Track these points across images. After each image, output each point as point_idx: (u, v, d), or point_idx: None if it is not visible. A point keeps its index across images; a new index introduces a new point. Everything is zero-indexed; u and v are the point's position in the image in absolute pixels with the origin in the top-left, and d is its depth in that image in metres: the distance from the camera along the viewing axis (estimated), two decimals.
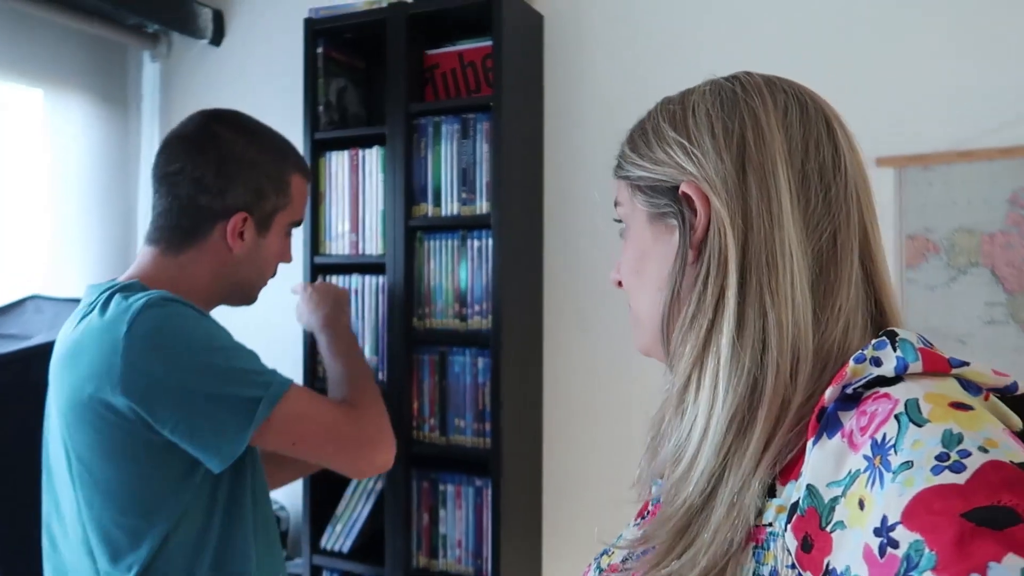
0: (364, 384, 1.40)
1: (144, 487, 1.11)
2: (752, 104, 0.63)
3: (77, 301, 2.01)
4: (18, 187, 2.15)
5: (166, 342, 1.08)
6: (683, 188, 0.64)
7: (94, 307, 1.14)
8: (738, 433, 0.57)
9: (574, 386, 1.91)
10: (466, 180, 1.76)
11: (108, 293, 1.15)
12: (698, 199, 0.63)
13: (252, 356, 1.18)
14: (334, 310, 1.54)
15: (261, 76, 2.30)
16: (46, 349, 1.34)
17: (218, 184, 1.23)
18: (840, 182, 0.62)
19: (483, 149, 1.74)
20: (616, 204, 0.74)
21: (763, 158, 0.61)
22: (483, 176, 1.74)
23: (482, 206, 1.74)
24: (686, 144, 0.64)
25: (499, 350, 1.68)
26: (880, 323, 0.62)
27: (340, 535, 1.87)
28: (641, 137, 0.70)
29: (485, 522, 1.74)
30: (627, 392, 1.83)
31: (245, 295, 1.35)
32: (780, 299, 0.58)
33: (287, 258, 1.39)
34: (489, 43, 1.79)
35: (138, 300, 1.09)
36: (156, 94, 2.41)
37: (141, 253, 1.26)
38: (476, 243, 1.75)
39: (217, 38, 2.35)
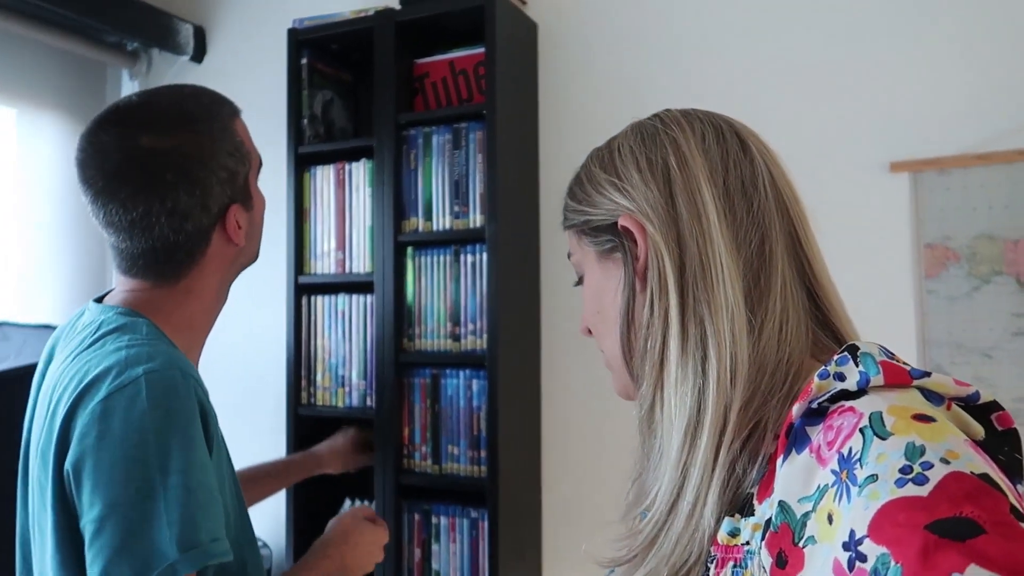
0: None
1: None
2: (672, 134, 0.68)
3: (47, 328, 1.92)
4: None
5: (123, 432, 0.88)
6: (621, 221, 0.67)
7: (85, 329, 1.01)
8: (691, 445, 0.60)
9: (574, 409, 1.80)
10: (458, 192, 1.67)
11: (106, 331, 0.99)
12: (635, 229, 0.66)
13: (209, 501, 0.92)
14: (350, 547, 1.30)
15: (244, 92, 2.20)
16: (11, 376, 1.23)
17: (195, 199, 1.04)
18: (761, 193, 0.65)
19: (476, 160, 1.65)
20: (569, 256, 0.78)
21: (687, 180, 0.65)
22: (476, 188, 1.65)
23: (476, 219, 1.65)
24: (616, 181, 0.69)
25: (496, 371, 1.58)
26: (822, 320, 0.65)
27: None
28: (577, 186, 0.74)
29: (481, 556, 1.63)
30: (631, 415, 1.72)
31: (251, 261, 1.19)
32: (716, 309, 0.61)
33: (263, 198, 1.20)
34: (481, 51, 1.71)
35: (139, 365, 0.91)
36: None
37: (125, 283, 1.06)
38: (470, 258, 1.66)
39: (198, 55, 2.27)
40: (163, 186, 1.02)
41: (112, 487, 0.87)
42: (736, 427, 0.59)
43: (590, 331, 0.78)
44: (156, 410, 0.90)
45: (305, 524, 1.77)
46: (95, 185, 1.02)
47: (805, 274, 0.65)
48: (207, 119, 1.09)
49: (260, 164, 1.18)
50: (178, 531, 0.87)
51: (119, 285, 1.10)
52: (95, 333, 1.00)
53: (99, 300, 1.10)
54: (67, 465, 0.90)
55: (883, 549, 0.42)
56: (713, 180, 0.65)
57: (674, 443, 0.61)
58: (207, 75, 2.28)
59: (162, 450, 0.90)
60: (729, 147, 0.67)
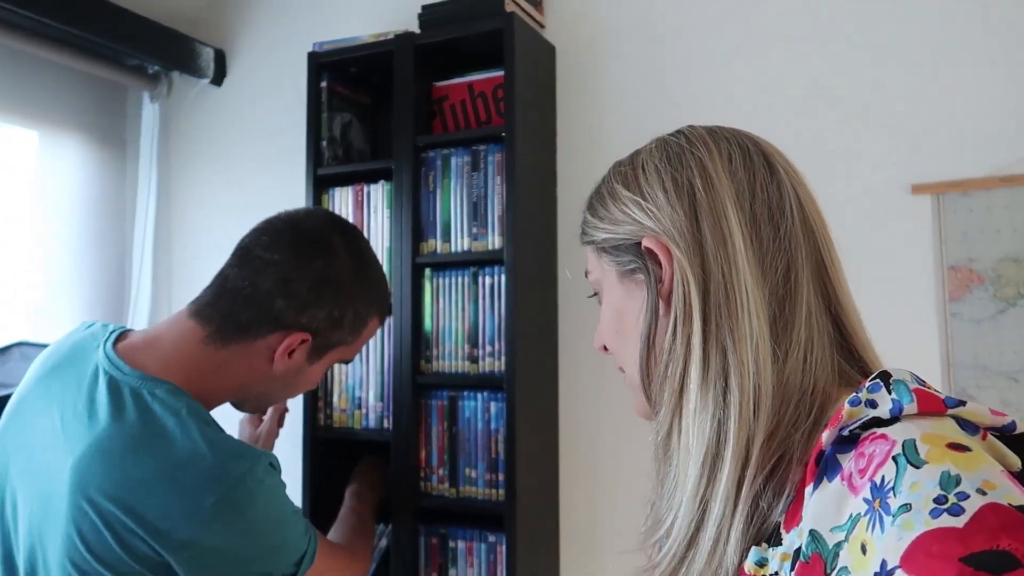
0: (364, 538, 1.48)
1: None
2: (698, 154, 0.66)
3: None
4: (9, 230, 2.06)
5: (243, 525, 1.01)
6: (645, 243, 0.66)
7: (118, 395, 1.02)
8: (710, 477, 0.58)
9: (591, 432, 1.79)
10: (477, 214, 1.67)
11: (141, 387, 1.02)
12: (660, 251, 0.65)
13: (297, 520, 1.11)
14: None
15: (264, 114, 2.24)
16: None
17: (305, 298, 1.12)
18: (788, 219, 0.64)
19: (495, 181, 1.65)
20: (587, 274, 0.76)
21: (714, 203, 0.63)
22: (495, 209, 1.65)
23: (494, 241, 1.65)
24: (640, 201, 0.67)
25: (514, 393, 1.57)
26: (846, 348, 0.63)
27: None
28: (599, 202, 0.72)
29: None
30: (647, 440, 1.70)
31: (260, 406, 1.27)
32: (740, 339, 0.59)
33: (314, 386, 1.31)
34: (500, 73, 1.72)
35: (236, 465, 0.99)
36: (155, 136, 2.34)
37: (181, 326, 1.12)
38: (488, 280, 1.65)
39: (219, 78, 2.29)
40: (305, 262, 1.13)
41: (234, 569, 1.05)
42: (760, 461, 0.57)
43: (606, 348, 0.77)
44: (259, 501, 1.03)
45: None
46: (278, 225, 1.16)
47: (830, 301, 0.64)
48: (373, 289, 1.24)
49: (348, 361, 1.30)
50: None
51: (159, 328, 1.13)
52: (114, 390, 1.03)
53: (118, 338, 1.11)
54: (165, 553, 0.98)
55: None
56: (740, 204, 0.64)
57: (691, 474, 0.60)
58: (227, 98, 2.31)
59: None
60: (756, 170, 0.65)
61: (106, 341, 1.08)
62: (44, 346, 1.94)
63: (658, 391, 0.65)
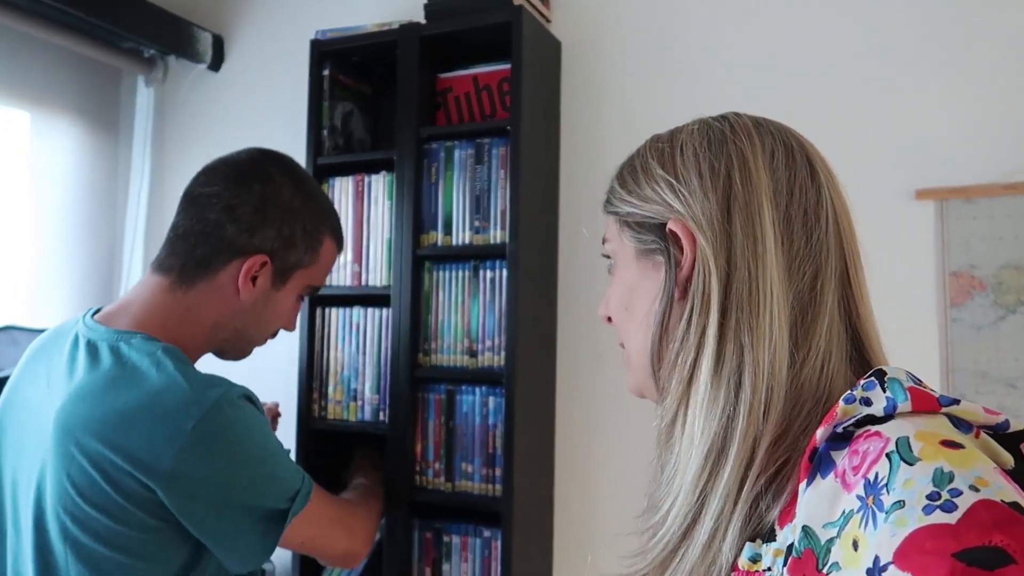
0: (372, 500, 1.49)
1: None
2: (740, 145, 0.64)
3: None
4: None
5: (225, 450, 1.03)
6: (670, 225, 0.65)
7: (95, 351, 1.05)
8: (712, 471, 0.58)
9: (588, 430, 1.79)
10: (479, 208, 1.66)
11: (116, 340, 1.06)
12: (684, 237, 0.64)
13: (286, 458, 1.13)
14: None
15: (262, 101, 2.22)
16: None
17: (252, 220, 1.15)
18: (822, 226, 0.63)
19: (498, 175, 1.64)
20: (604, 240, 0.75)
21: (749, 198, 0.62)
22: (497, 203, 1.64)
23: (496, 235, 1.64)
24: (674, 182, 0.65)
25: (513, 389, 1.56)
26: (863, 363, 0.63)
27: None
28: (630, 174, 0.71)
29: None
30: (645, 437, 1.70)
31: (240, 348, 1.26)
32: (758, 339, 0.59)
33: (291, 325, 1.31)
34: (505, 67, 1.71)
35: (211, 391, 1.02)
36: (149, 120, 2.30)
37: (147, 283, 1.16)
38: (489, 274, 1.64)
39: (216, 63, 2.26)
40: (245, 188, 1.15)
41: (222, 500, 1.07)
42: (764, 462, 0.57)
43: (610, 319, 0.76)
44: (239, 425, 1.06)
45: None
46: (213, 165, 1.19)
47: (851, 315, 0.63)
48: (319, 205, 1.25)
49: (313, 289, 1.30)
50: None
51: (129, 294, 1.16)
52: (91, 346, 1.07)
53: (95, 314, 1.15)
54: (156, 487, 0.99)
55: None
56: (776, 203, 0.62)
57: (692, 465, 0.59)
58: (224, 84, 2.28)
59: None
60: (797, 170, 0.64)
61: (84, 316, 1.14)
62: (33, 330, 1.91)
63: (667, 377, 0.64)
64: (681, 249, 0.64)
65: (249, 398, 1.08)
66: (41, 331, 1.93)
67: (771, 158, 0.64)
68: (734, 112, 0.69)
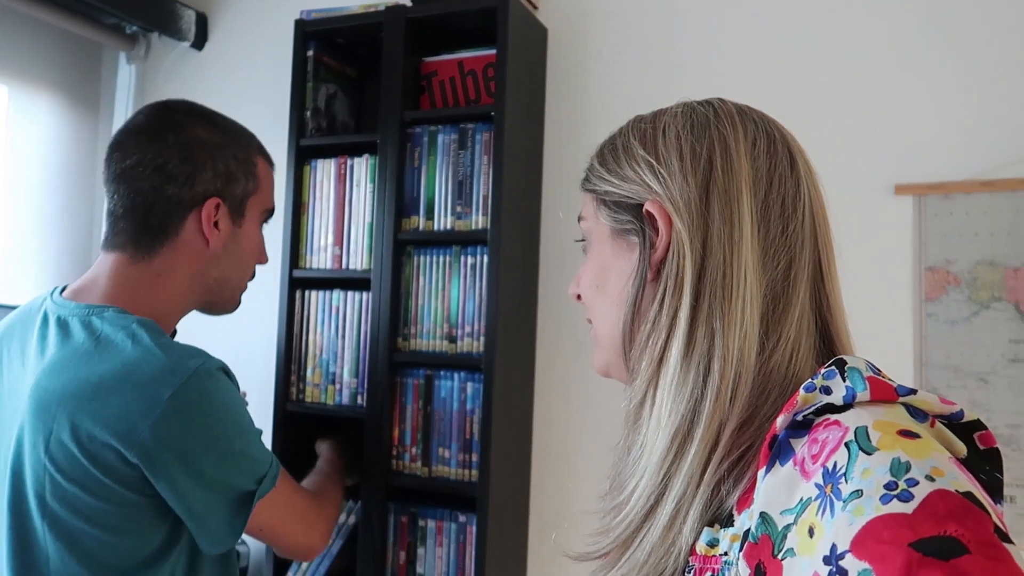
0: (331, 491, 1.44)
1: (126, 552, 1.02)
2: (723, 131, 0.64)
3: None
4: None
5: (202, 421, 1.01)
6: (647, 207, 0.65)
7: (65, 327, 1.04)
8: (677, 454, 0.58)
9: (565, 417, 1.79)
10: (461, 193, 1.66)
11: (88, 314, 1.05)
12: (661, 219, 0.64)
13: (257, 438, 1.12)
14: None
15: (245, 81, 2.19)
16: None
17: (185, 170, 1.11)
18: (799, 217, 0.63)
19: (482, 161, 1.64)
20: (580, 219, 0.74)
21: (728, 184, 0.62)
22: (480, 189, 1.64)
23: (478, 220, 1.63)
24: (654, 163, 0.65)
25: (492, 375, 1.57)
26: (828, 356, 0.63)
27: (306, 573, 1.71)
28: (611, 152, 0.70)
29: (468, 562, 1.61)
30: (621, 425, 1.71)
31: (226, 298, 1.24)
32: (729, 325, 0.59)
33: (263, 257, 1.28)
34: (491, 52, 1.71)
35: (189, 361, 1.01)
36: (130, 97, 2.28)
37: (105, 262, 1.13)
38: (470, 260, 1.64)
39: (199, 41, 2.24)
40: (162, 144, 1.11)
41: (197, 472, 1.05)
42: (728, 446, 0.58)
43: (579, 297, 0.75)
44: (216, 397, 1.05)
45: None
46: (120, 137, 1.13)
47: (822, 308, 0.64)
48: (231, 130, 1.21)
49: (270, 211, 1.27)
50: None
51: (92, 270, 1.14)
52: (62, 322, 1.06)
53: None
54: (133, 458, 0.98)
55: (865, 565, 0.41)
56: (755, 191, 0.63)
57: (658, 445, 0.59)
58: (207, 63, 2.26)
59: None
60: (778, 160, 0.64)
61: (52, 293, 1.13)
62: (7, 306, 1.89)
63: (636, 358, 0.64)
64: (656, 231, 0.64)
65: (226, 371, 1.08)
66: (15, 307, 1.91)
67: (753, 146, 0.64)
68: (719, 98, 0.69)
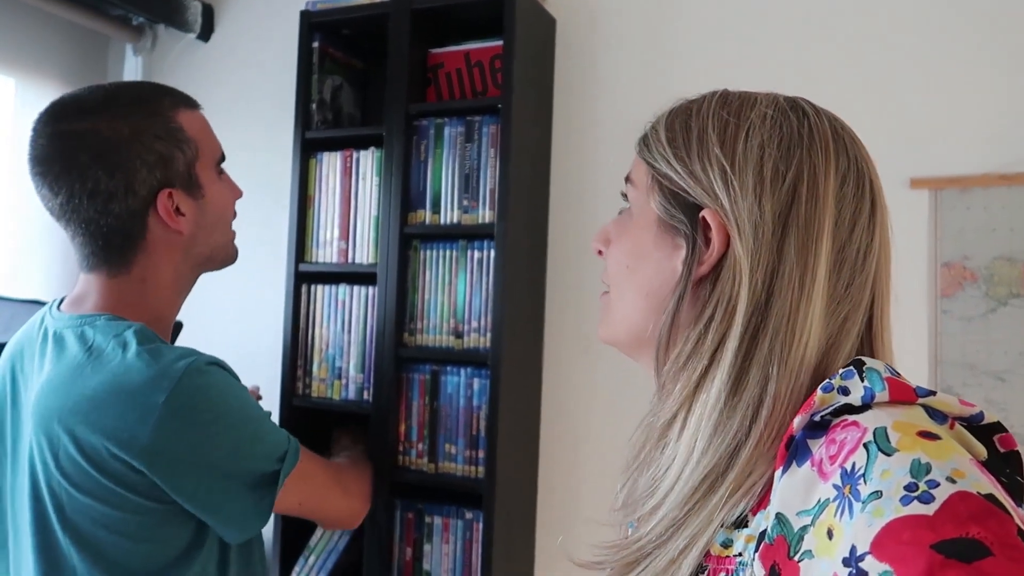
0: (361, 464, 1.49)
1: (152, 559, 1.02)
2: (814, 159, 0.59)
3: (36, 303, 1.87)
4: None
5: (202, 418, 1.01)
6: (705, 214, 0.60)
7: (61, 341, 1.04)
8: (706, 493, 0.56)
9: (574, 414, 1.77)
10: (468, 186, 1.64)
11: (81, 325, 1.05)
12: (717, 233, 0.59)
13: (268, 420, 1.12)
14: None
15: (251, 73, 2.18)
16: None
17: (118, 183, 1.04)
18: (866, 271, 0.60)
19: (489, 154, 1.62)
20: (628, 180, 0.68)
21: (810, 223, 0.57)
22: (487, 183, 1.62)
23: (485, 214, 1.61)
24: (727, 169, 0.59)
25: (499, 371, 1.55)
26: None
27: (313, 568, 1.70)
28: (683, 131, 0.63)
29: (474, 559, 1.59)
30: (630, 422, 1.69)
31: (222, 257, 1.21)
32: (784, 375, 0.56)
33: (237, 192, 1.22)
34: (498, 44, 1.68)
35: (179, 361, 1.00)
36: None
37: (88, 282, 1.10)
38: (477, 254, 1.62)
39: (206, 33, 2.22)
40: (79, 167, 1.03)
41: (208, 469, 1.05)
42: (753, 483, 0.56)
43: (600, 252, 0.71)
44: (211, 391, 1.05)
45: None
46: (33, 177, 1.06)
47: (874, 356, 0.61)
48: (134, 104, 1.08)
49: (220, 157, 1.19)
50: None
51: (80, 285, 1.12)
52: (58, 335, 1.06)
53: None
54: (141, 465, 0.98)
55: (885, 567, 0.41)
56: (835, 235, 0.58)
57: (689, 481, 0.57)
58: (214, 54, 2.24)
59: None
60: (863, 207, 0.59)
61: (51, 307, 1.12)
62: (13, 300, 1.88)
63: (670, 376, 0.61)
64: (708, 242, 0.60)
65: (219, 364, 1.06)
66: (23, 301, 1.90)
67: (842, 183, 0.59)
68: (810, 103, 0.63)
